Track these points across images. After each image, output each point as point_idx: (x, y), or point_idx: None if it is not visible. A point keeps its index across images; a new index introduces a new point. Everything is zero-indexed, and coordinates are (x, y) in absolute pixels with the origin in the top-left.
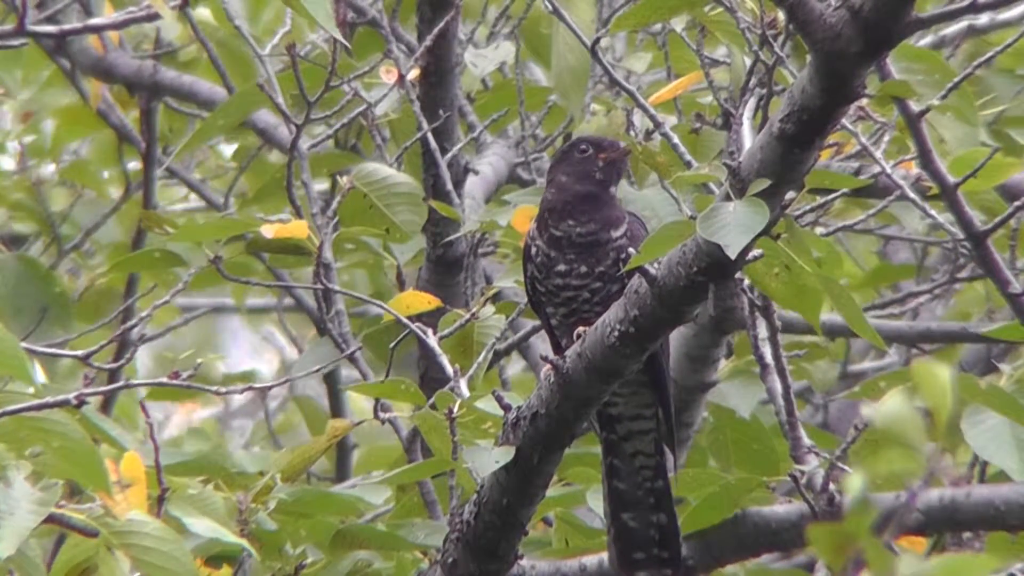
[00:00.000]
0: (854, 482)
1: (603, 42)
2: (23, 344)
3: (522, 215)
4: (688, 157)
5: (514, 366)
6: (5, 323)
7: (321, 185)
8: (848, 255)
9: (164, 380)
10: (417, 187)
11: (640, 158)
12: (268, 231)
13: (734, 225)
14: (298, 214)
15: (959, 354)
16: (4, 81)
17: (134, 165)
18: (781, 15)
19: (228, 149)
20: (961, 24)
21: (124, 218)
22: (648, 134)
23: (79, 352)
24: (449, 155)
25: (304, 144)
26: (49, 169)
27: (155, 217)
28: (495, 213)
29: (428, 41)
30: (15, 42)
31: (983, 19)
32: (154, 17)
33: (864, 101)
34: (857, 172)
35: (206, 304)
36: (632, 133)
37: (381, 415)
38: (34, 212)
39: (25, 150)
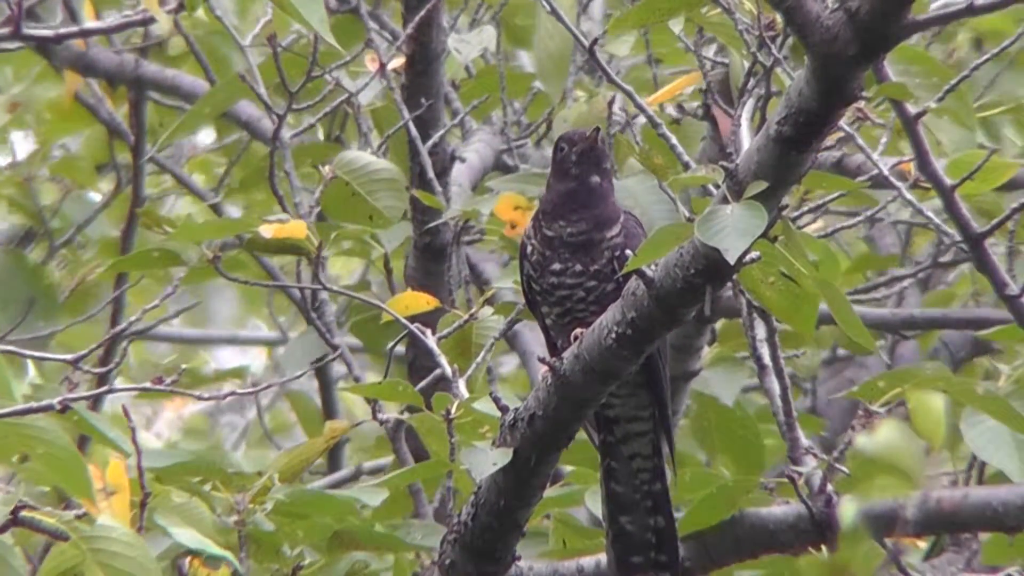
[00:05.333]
0: (847, 510)
1: (583, 27)
2: (11, 348)
3: (505, 203)
4: (686, 158)
5: (508, 364)
6: None
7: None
8: (835, 242)
9: (148, 385)
10: (398, 172)
11: (638, 159)
12: (266, 231)
13: (733, 229)
14: (281, 205)
15: (940, 336)
16: None
17: (123, 158)
18: (779, 17)
19: (207, 137)
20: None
21: (114, 212)
22: (631, 120)
23: (69, 356)
24: (430, 142)
25: (287, 134)
26: (40, 163)
27: (154, 216)
28: (478, 201)
29: (410, 28)
30: (10, 45)
31: None
32: (149, 21)
33: (862, 103)
34: (839, 161)
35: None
36: (617, 123)
37: (380, 416)
38: (25, 207)
39: (15, 145)
